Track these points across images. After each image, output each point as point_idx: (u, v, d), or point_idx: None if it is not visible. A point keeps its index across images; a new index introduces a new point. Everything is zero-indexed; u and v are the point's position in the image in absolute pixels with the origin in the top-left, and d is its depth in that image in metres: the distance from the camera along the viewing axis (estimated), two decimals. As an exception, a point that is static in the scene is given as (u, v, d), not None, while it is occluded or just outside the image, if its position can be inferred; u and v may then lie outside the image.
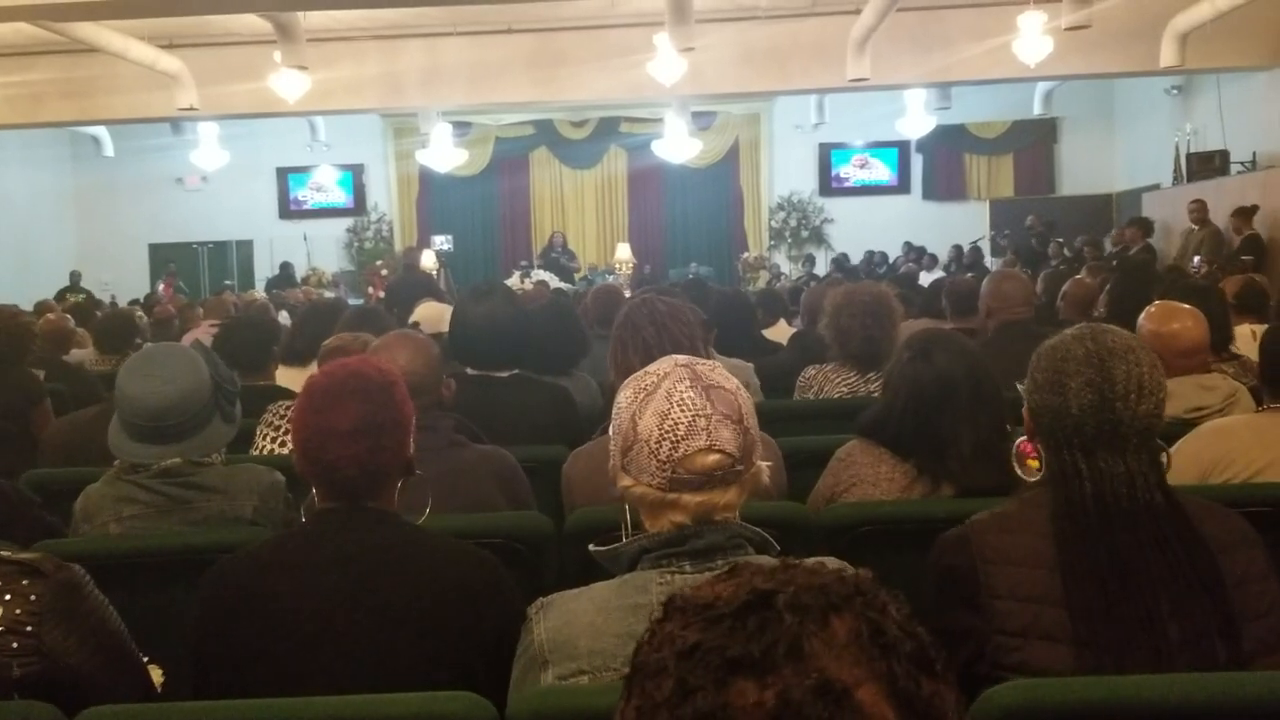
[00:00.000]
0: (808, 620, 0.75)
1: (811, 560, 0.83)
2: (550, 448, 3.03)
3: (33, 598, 1.57)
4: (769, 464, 1.58)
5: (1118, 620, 1.58)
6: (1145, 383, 1.68)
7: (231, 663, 1.72)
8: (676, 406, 1.47)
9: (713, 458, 1.46)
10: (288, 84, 10.73)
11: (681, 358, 1.56)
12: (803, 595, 0.77)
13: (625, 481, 1.52)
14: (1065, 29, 9.55)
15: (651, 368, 1.55)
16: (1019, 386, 1.82)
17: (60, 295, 12.96)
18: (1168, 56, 10.67)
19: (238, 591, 1.75)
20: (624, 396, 1.54)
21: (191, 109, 11.53)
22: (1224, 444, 2.58)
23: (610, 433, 1.58)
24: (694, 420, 1.46)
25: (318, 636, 1.69)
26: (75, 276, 14.75)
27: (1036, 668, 1.58)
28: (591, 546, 1.59)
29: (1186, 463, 2.60)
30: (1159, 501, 1.66)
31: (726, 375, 1.54)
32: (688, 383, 1.49)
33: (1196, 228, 11.45)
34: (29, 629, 1.56)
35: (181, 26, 11.03)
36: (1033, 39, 10.10)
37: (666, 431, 1.46)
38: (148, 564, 2.28)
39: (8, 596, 1.56)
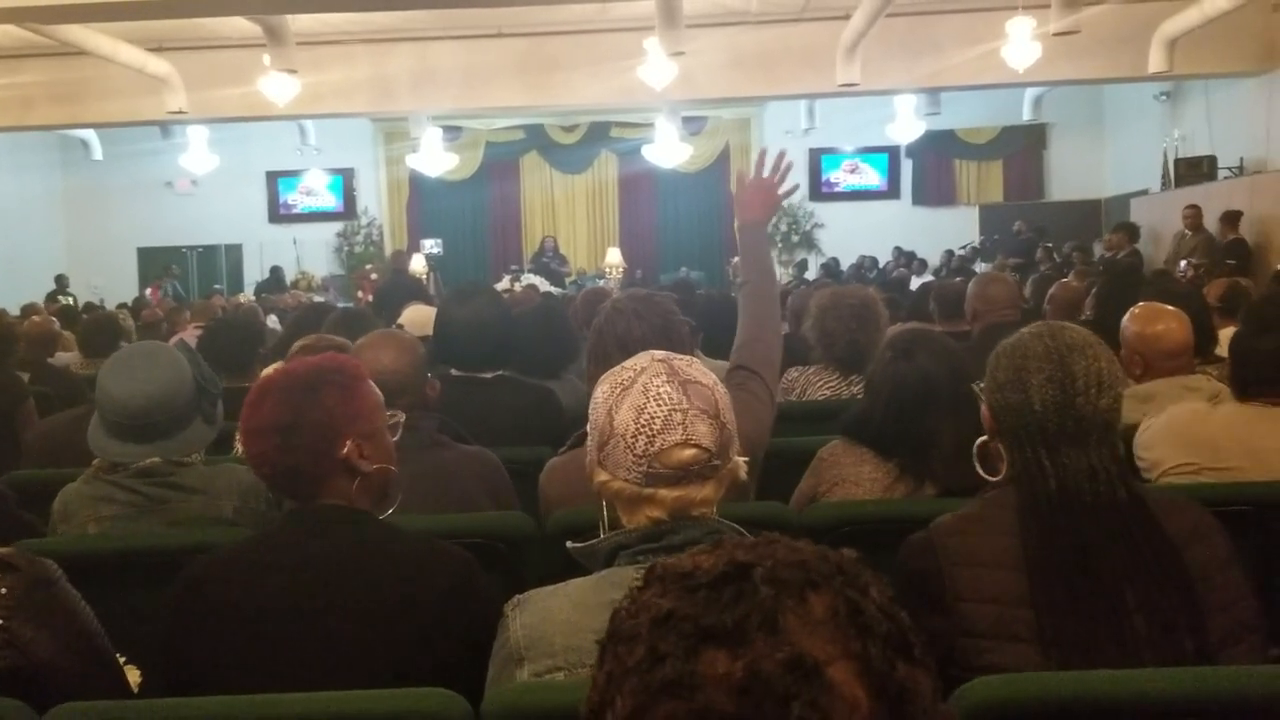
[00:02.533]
0: (784, 594, 0.74)
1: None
2: (534, 449, 3.02)
3: (3, 591, 1.56)
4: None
5: (1083, 616, 1.58)
6: (1104, 377, 1.69)
7: (203, 664, 1.71)
8: (653, 401, 1.46)
9: (689, 452, 1.46)
10: (277, 87, 10.72)
11: (659, 353, 1.56)
12: (781, 569, 0.76)
13: (601, 477, 1.51)
14: (1054, 34, 9.59)
15: (628, 363, 1.54)
16: (975, 387, 1.82)
17: (50, 299, 12.91)
18: (1156, 62, 10.73)
19: (207, 594, 1.74)
20: (600, 391, 1.54)
21: (181, 112, 11.52)
22: (1200, 428, 2.64)
23: (587, 428, 1.57)
24: (670, 415, 1.45)
25: (290, 636, 1.68)
26: (62, 280, 14.69)
27: (1004, 668, 1.57)
28: (569, 544, 1.59)
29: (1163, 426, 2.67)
30: (1121, 496, 1.66)
31: (704, 370, 1.53)
32: (664, 377, 1.48)
33: (1190, 233, 11.49)
34: (0, 623, 1.54)
35: (170, 29, 11.00)
36: (1022, 44, 10.13)
37: (643, 426, 1.46)
38: (126, 564, 2.26)
39: None
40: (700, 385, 1.49)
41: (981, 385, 1.83)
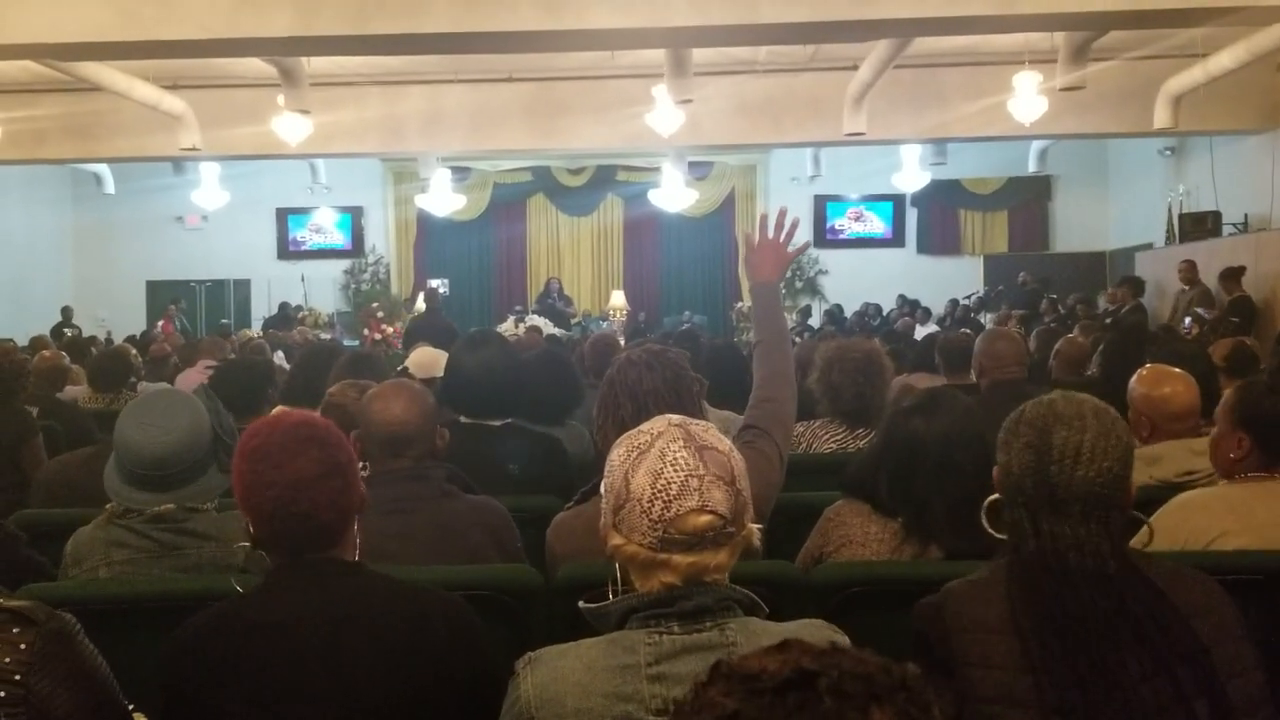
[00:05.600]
0: (848, 707, 0.75)
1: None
2: (541, 498, 3.03)
3: (22, 646, 1.56)
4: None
5: (1085, 684, 1.58)
6: (1084, 450, 1.68)
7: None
8: (669, 466, 1.48)
9: (704, 518, 1.47)
10: (290, 127, 10.81)
11: (675, 417, 1.57)
12: (846, 681, 0.77)
13: (616, 540, 1.52)
14: (1060, 90, 9.69)
15: (645, 426, 1.56)
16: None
17: (56, 331, 12.95)
18: (1161, 118, 10.81)
19: (204, 657, 1.72)
20: (617, 454, 1.55)
21: (194, 149, 11.59)
22: (1197, 519, 2.54)
23: (602, 490, 1.59)
24: (687, 480, 1.47)
25: (292, 692, 1.67)
26: (67, 312, 14.72)
27: None
28: (581, 603, 1.60)
29: (1162, 538, 2.58)
30: (1111, 568, 1.66)
31: (720, 437, 1.55)
32: (681, 442, 1.50)
33: (1186, 288, 11.55)
34: (17, 678, 1.54)
35: (186, 68, 11.12)
36: (1028, 98, 10.23)
37: (659, 491, 1.47)
38: (137, 609, 2.26)
39: None
40: (716, 451, 1.51)
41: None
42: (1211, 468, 3.00)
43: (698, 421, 1.57)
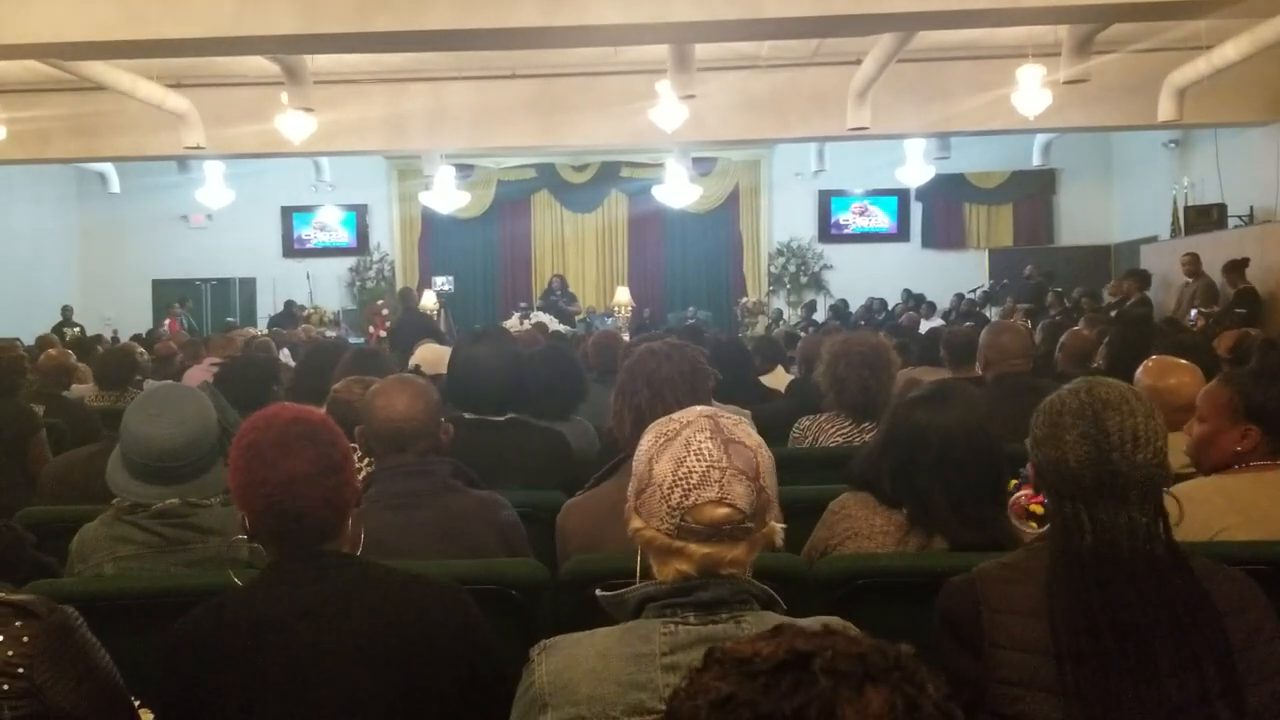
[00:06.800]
0: (842, 686, 0.75)
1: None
2: (546, 493, 3.03)
3: (25, 639, 1.57)
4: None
5: (1111, 673, 1.57)
6: (1140, 432, 1.67)
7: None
8: (693, 455, 1.49)
9: (722, 511, 1.47)
10: (294, 125, 10.83)
11: (708, 408, 1.59)
12: (840, 661, 0.77)
13: (636, 523, 1.53)
14: (1064, 83, 9.67)
15: (677, 415, 1.57)
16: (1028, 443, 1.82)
17: (56, 331, 12.97)
18: (1165, 111, 10.78)
19: (203, 654, 1.71)
20: (646, 439, 1.56)
21: (198, 148, 11.61)
22: (1198, 513, 2.45)
23: (631, 473, 1.59)
24: (708, 471, 1.47)
25: (292, 691, 1.67)
26: (68, 311, 14.71)
27: (1035, 718, 1.58)
28: (598, 591, 1.60)
29: None
30: (1159, 552, 1.65)
31: (749, 432, 1.55)
32: (708, 433, 1.51)
33: (1190, 280, 11.52)
34: (20, 670, 1.55)
35: (190, 67, 11.13)
36: (1032, 92, 10.21)
37: (680, 478, 1.48)
38: (142, 605, 2.26)
39: (0, 638, 1.57)
40: (743, 446, 1.51)
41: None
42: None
43: (729, 415, 1.57)
